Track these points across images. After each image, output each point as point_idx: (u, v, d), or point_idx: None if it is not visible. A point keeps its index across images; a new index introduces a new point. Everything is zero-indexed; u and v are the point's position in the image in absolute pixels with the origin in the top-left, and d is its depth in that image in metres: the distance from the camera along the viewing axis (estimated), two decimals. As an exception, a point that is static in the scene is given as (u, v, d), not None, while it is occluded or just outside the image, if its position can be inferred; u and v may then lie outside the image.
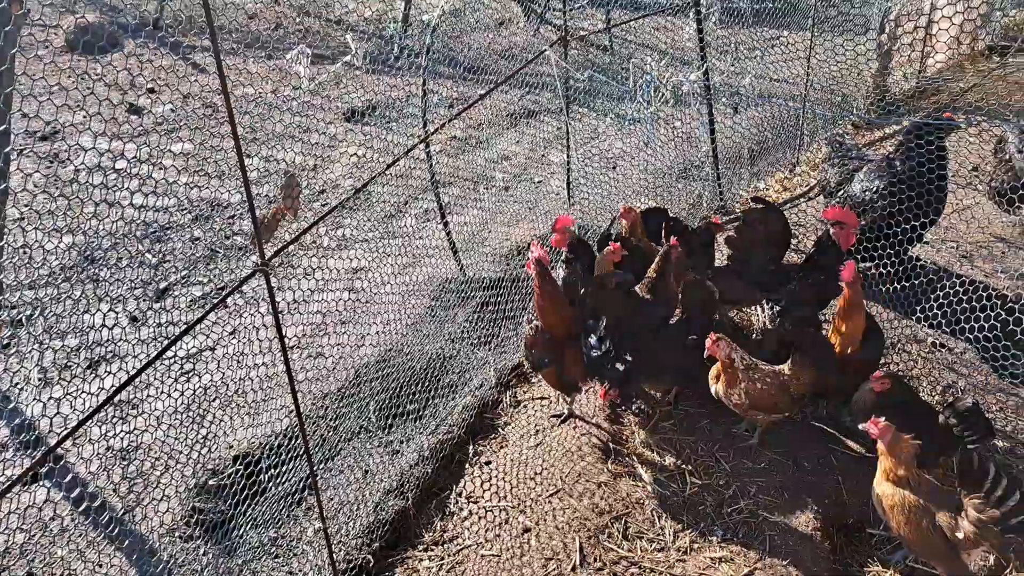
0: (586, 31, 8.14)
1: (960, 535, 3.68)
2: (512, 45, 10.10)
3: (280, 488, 4.24)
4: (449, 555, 4.24)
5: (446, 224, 5.79)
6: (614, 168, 7.63)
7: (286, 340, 5.25)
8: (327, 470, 4.66)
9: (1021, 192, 6.02)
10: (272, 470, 4.22)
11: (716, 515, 4.38)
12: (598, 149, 7.55)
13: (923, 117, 6.03)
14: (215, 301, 3.32)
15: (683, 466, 4.67)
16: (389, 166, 4.03)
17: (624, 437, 4.92)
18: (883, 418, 3.96)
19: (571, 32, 5.92)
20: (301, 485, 4.27)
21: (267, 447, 4.53)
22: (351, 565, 4.12)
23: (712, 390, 4.66)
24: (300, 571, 4.11)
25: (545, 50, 5.44)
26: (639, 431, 4.94)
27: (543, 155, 8.46)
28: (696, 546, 4.21)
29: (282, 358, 3.48)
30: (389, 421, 4.95)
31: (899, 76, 9.56)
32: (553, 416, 5.10)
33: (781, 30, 8.72)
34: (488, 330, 5.86)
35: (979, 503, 3.64)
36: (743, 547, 4.17)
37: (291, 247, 3.70)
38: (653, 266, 5.02)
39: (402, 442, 4.90)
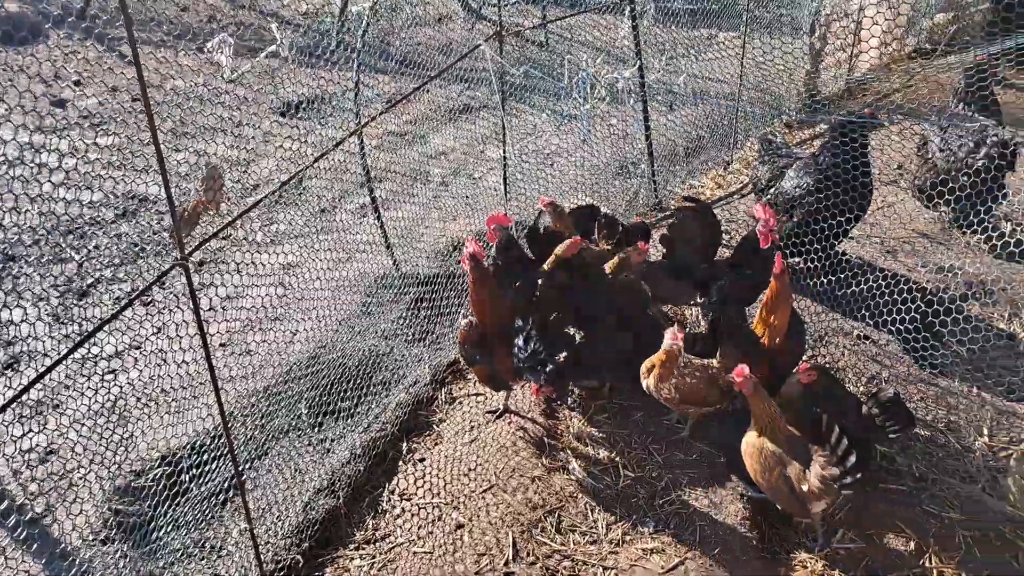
0: (521, 27, 8.13)
1: (806, 488, 3.86)
2: (451, 41, 10.04)
3: (204, 489, 4.13)
4: (381, 553, 4.18)
5: (380, 219, 5.72)
6: (551, 164, 7.65)
7: (215, 337, 5.15)
8: (256, 470, 4.56)
9: (941, 189, 6.24)
10: (196, 470, 4.10)
11: (648, 507, 4.41)
12: (535, 145, 7.56)
13: (847, 114, 6.18)
14: (131, 297, 3.21)
15: (616, 459, 4.70)
16: (317, 159, 3.95)
17: (559, 432, 4.93)
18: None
19: (506, 27, 5.91)
20: (226, 485, 4.16)
21: (192, 447, 4.41)
22: (279, 566, 4.04)
23: (643, 384, 4.68)
24: (226, 573, 4.01)
25: (480, 45, 5.42)
26: (574, 424, 4.95)
27: (481, 151, 8.43)
28: (628, 538, 4.24)
29: (204, 355, 3.38)
30: (320, 419, 4.87)
31: (829, 76, 9.79)
32: (488, 412, 5.07)
33: (716, 30, 8.86)
34: (423, 327, 5.80)
35: (823, 460, 3.81)
36: (674, 538, 4.21)
37: (212, 242, 3.61)
38: (609, 267, 5.09)
39: (334, 440, 4.82)
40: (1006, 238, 5.50)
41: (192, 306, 3.30)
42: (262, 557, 3.85)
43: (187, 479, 4.09)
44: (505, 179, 6.41)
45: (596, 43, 8.27)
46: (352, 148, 5.60)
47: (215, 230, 3.44)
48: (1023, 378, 5.25)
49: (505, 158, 6.23)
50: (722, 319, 4.84)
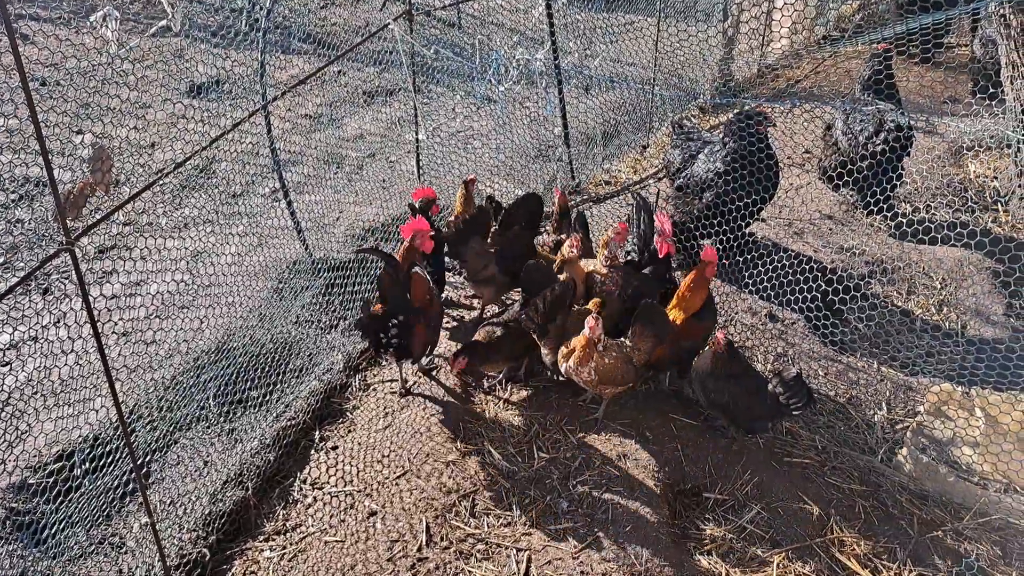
0: (432, 7, 8.05)
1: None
2: (367, 23, 9.87)
3: (104, 484, 3.97)
4: (291, 544, 4.11)
5: (290, 203, 5.58)
6: (468, 147, 7.60)
7: (117, 326, 4.95)
8: (160, 462, 4.42)
9: (843, 172, 6.45)
10: (95, 464, 3.94)
11: (562, 487, 4.44)
12: (452, 128, 7.49)
13: (743, 109, 6.27)
14: (12, 285, 3.05)
15: (532, 441, 4.72)
16: (215, 140, 3.82)
17: (474, 415, 4.91)
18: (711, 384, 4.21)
19: (417, 7, 5.82)
20: (126, 479, 4.02)
21: (90, 441, 4.24)
22: (184, 560, 3.92)
23: (562, 368, 4.71)
24: (129, 570, 3.88)
25: (388, 23, 5.32)
26: (489, 407, 4.95)
27: (399, 134, 8.33)
28: (542, 519, 4.26)
29: (95, 345, 3.25)
30: (229, 409, 4.74)
31: (742, 63, 10.01)
32: (395, 392, 5.01)
33: (634, 15, 8.94)
34: (337, 313, 5.71)
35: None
36: (587, 517, 4.25)
37: (115, 228, 3.45)
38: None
39: (243, 430, 4.70)
40: (905, 217, 5.73)
41: (81, 293, 3.16)
42: (165, 552, 3.73)
43: (84, 474, 3.92)
44: (418, 162, 6.33)
45: (510, 25, 8.24)
46: (263, 130, 5.45)
47: (104, 213, 3.29)
48: (919, 354, 5.49)
49: (417, 141, 6.15)
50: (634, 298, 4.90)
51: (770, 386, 4.60)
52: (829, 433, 4.98)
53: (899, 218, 5.97)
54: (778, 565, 4.10)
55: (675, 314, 4.81)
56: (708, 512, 4.42)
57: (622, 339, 4.68)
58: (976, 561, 4.06)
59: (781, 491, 4.54)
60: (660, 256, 5.09)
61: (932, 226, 5.29)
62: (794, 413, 4.56)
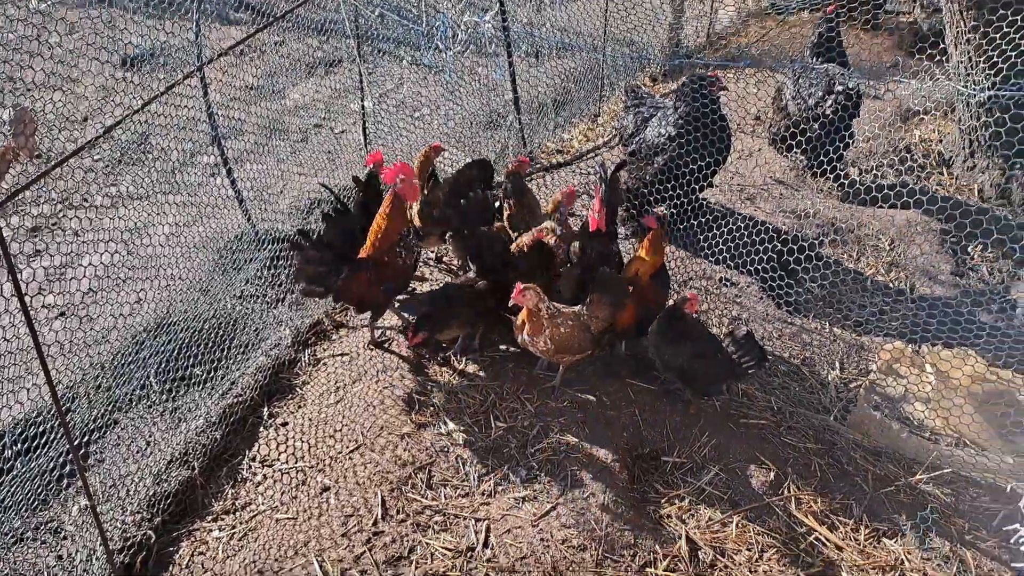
0: (375, -33, 7.84)
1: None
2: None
3: (39, 466, 3.78)
4: (241, 523, 3.96)
5: (231, 174, 5.37)
6: (417, 116, 7.42)
7: (52, 302, 4.72)
8: (99, 443, 4.23)
9: (794, 132, 6.45)
10: (28, 446, 3.74)
11: (520, 456, 4.37)
12: (401, 96, 7.31)
13: (695, 72, 6.20)
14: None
15: (489, 411, 4.63)
16: (147, 104, 3.62)
17: (429, 387, 4.80)
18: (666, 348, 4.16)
19: (360, -32, 5.62)
20: (63, 462, 3.82)
21: (25, 423, 4.03)
22: (128, 543, 3.75)
23: (518, 339, 4.63)
24: (69, 556, 3.70)
25: (330, -17, 5.12)
26: (444, 378, 4.85)
27: (344, 104, 8.10)
28: (500, 488, 4.19)
29: (24, 319, 3.05)
30: (172, 386, 4.56)
31: (691, 30, 9.97)
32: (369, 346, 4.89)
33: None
34: (285, 287, 5.53)
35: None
36: (546, 485, 4.19)
37: (47, 207, 3.24)
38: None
39: (188, 408, 4.52)
40: (854, 181, 5.75)
41: (6, 265, 2.96)
42: (108, 535, 3.56)
43: (16, 456, 3.72)
44: (365, 132, 6.15)
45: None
46: (200, 95, 5.22)
47: (30, 179, 3.08)
48: (871, 313, 5.54)
49: (363, 110, 5.97)
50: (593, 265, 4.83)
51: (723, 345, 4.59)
52: (784, 394, 4.99)
53: (849, 179, 5.98)
54: (737, 525, 4.10)
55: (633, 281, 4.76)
56: (667, 475, 4.39)
57: (579, 307, 4.61)
58: (930, 514, 4.11)
59: (738, 452, 4.53)
60: (591, 230, 5.00)
61: (882, 187, 5.32)
62: (748, 372, 4.55)
